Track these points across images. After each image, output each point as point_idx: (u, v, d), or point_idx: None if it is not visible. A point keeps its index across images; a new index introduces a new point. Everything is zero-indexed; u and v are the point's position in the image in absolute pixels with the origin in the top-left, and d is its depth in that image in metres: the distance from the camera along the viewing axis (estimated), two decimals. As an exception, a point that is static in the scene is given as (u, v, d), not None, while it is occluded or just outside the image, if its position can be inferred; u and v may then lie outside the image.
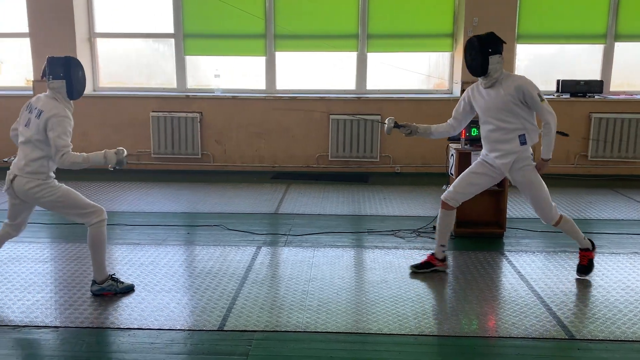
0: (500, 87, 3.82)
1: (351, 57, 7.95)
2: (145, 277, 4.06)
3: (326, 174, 7.72)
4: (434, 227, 5.19)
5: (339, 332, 3.28)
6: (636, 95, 7.86)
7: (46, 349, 3.11)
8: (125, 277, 3.99)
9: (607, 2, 7.60)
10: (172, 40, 8.01)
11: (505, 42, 3.89)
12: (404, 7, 7.78)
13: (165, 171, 7.82)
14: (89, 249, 3.69)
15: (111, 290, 3.73)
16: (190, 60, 8.14)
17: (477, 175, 4.06)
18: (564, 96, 7.65)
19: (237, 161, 7.97)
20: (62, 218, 3.99)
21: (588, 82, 7.62)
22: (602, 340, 3.20)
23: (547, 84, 7.78)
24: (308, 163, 7.93)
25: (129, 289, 3.81)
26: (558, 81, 7.71)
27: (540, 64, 8.20)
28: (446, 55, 7.98)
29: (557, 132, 3.83)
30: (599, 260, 4.46)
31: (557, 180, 6.96)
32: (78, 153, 3.48)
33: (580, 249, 4.10)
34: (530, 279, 4.10)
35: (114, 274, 3.83)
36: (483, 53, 3.77)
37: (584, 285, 3.99)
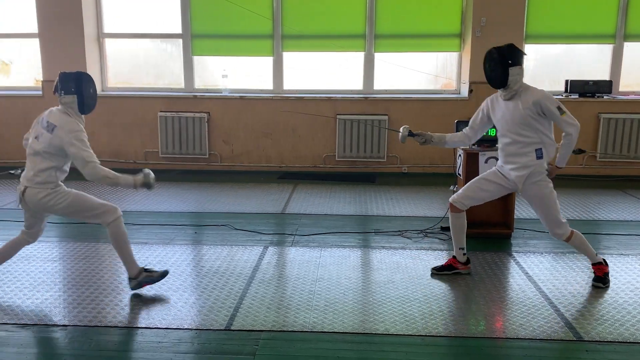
0: (519, 100, 3.75)
1: (358, 57, 7.94)
2: (153, 277, 4.07)
3: (333, 174, 7.72)
4: (442, 228, 5.21)
5: (345, 333, 3.28)
6: (645, 95, 7.82)
7: (54, 347, 3.13)
8: (133, 276, 4.00)
9: (617, 2, 7.55)
10: (180, 41, 8.04)
11: (526, 54, 3.83)
12: (411, 7, 7.76)
13: (173, 171, 7.85)
14: (114, 247, 3.75)
15: (148, 282, 3.78)
16: (198, 60, 8.17)
17: (488, 182, 4.00)
18: (572, 96, 7.61)
19: (245, 161, 7.99)
20: (68, 218, 4.02)
21: (597, 82, 7.57)
22: (610, 342, 3.18)
23: (555, 84, 7.75)
24: (315, 163, 7.94)
25: (164, 276, 3.86)
26: (567, 81, 7.67)
27: (548, 64, 8.16)
28: (454, 56, 7.96)
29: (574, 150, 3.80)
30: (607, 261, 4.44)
31: (566, 181, 6.92)
32: (108, 169, 3.55)
33: (592, 264, 4.00)
34: (538, 280, 4.08)
35: (145, 266, 3.88)
36: (503, 65, 3.71)
37: (592, 287, 3.96)
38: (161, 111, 7.85)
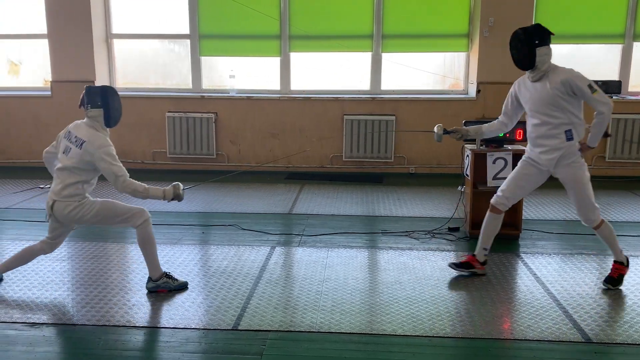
0: (547, 80, 3.67)
1: (366, 57, 7.93)
2: (161, 276, 4.09)
3: (340, 175, 7.72)
4: (449, 229, 5.20)
5: (352, 333, 3.28)
6: (655, 95, 7.75)
7: (63, 346, 3.15)
8: (142, 276, 4.03)
9: (626, 2, 7.50)
10: (188, 41, 8.06)
11: (553, 34, 3.71)
12: (419, 7, 7.74)
13: (180, 171, 7.87)
14: (140, 249, 3.80)
15: (166, 288, 3.81)
16: (206, 61, 8.18)
17: (524, 176, 3.92)
18: (581, 97, 7.55)
19: (252, 161, 8.00)
20: (100, 225, 4.10)
21: (606, 83, 7.51)
22: (619, 343, 3.16)
23: (564, 85, 7.70)
24: (322, 163, 7.94)
25: (183, 287, 3.88)
26: (575, 81, 7.61)
27: (557, 63, 8.09)
28: (462, 56, 7.94)
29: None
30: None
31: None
32: (139, 183, 3.60)
33: (614, 261, 3.94)
34: (546, 281, 4.06)
35: (168, 272, 3.90)
36: (530, 45, 3.62)
37: (600, 288, 3.94)
38: (169, 111, 7.88)
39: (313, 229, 5.29)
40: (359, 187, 7.05)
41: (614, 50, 7.77)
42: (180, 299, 3.72)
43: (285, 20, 7.83)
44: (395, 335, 3.26)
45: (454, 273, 4.24)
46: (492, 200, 4.04)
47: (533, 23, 7.37)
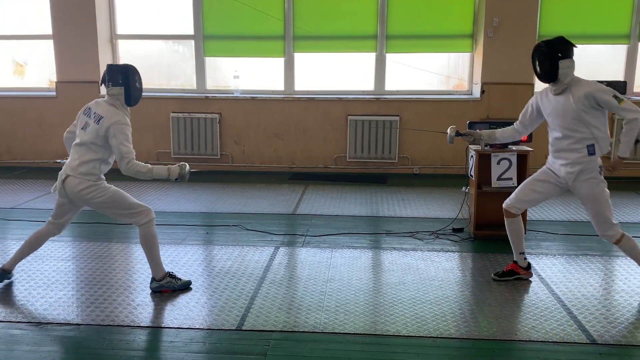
0: (570, 93, 3.60)
1: (370, 58, 7.93)
2: (165, 276, 4.10)
3: (344, 175, 7.71)
4: (453, 229, 5.19)
5: (356, 334, 3.27)
6: (661, 96, 7.72)
7: (68, 346, 3.16)
8: (146, 276, 4.04)
9: (631, 2, 7.48)
10: (192, 42, 8.07)
11: (576, 46, 3.65)
12: (423, 7, 7.74)
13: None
14: (143, 248, 3.79)
15: (169, 287, 3.81)
16: (210, 61, 8.20)
17: (540, 182, 3.85)
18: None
19: (256, 161, 8.01)
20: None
21: (611, 83, 7.41)
22: (624, 345, 3.15)
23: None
24: (326, 164, 7.94)
25: (187, 286, 3.87)
26: (580, 82, 7.59)
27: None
28: (466, 56, 7.92)
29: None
30: (621, 264, 4.40)
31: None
32: (143, 163, 3.60)
33: None
34: (551, 282, 4.05)
35: (171, 272, 3.90)
36: (552, 58, 3.56)
37: (605, 290, 3.93)
38: (173, 112, 7.89)
39: (317, 229, 5.29)
40: (363, 187, 7.04)
41: (619, 51, 7.74)
42: (184, 299, 3.73)
43: (289, 20, 7.83)
44: (399, 336, 3.25)
45: (458, 274, 4.23)
46: (504, 204, 3.97)
47: (538, 23, 7.43)
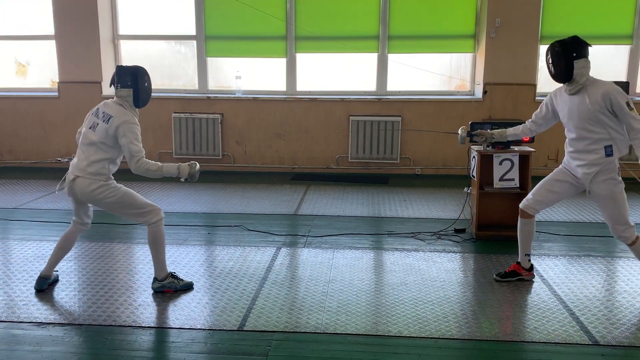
0: (586, 93, 3.54)
1: (372, 58, 7.93)
2: (167, 277, 4.10)
3: (346, 176, 7.71)
4: (455, 230, 5.18)
5: (358, 334, 3.27)
6: (663, 96, 7.70)
7: (69, 346, 3.15)
8: (148, 277, 4.04)
9: (634, 2, 7.46)
10: (194, 42, 8.08)
11: (591, 45, 3.60)
12: (425, 8, 7.73)
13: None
14: (150, 247, 3.79)
15: (171, 288, 3.81)
16: (212, 61, 8.20)
17: (558, 182, 3.81)
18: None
19: (258, 162, 8.01)
20: (113, 212, 4.07)
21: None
22: (627, 346, 3.14)
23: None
24: (328, 164, 7.94)
25: (188, 287, 3.87)
26: (582, 82, 7.58)
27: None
28: (468, 57, 7.91)
29: None
30: (623, 265, 4.39)
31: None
32: (153, 162, 3.60)
33: None
34: (553, 283, 4.04)
35: (174, 272, 3.91)
36: (567, 58, 3.51)
37: (608, 291, 3.92)
38: (175, 112, 7.90)
39: (319, 229, 5.29)
40: (365, 188, 7.04)
41: (622, 51, 7.73)
42: (186, 299, 3.73)
43: (291, 21, 7.83)
44: (401, 336, 3.25)
45: (459, 274, 4.23)
46: (521, 205, 3.94)
47: (540, 24, 7.42)
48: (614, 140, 3.56)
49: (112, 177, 3.72)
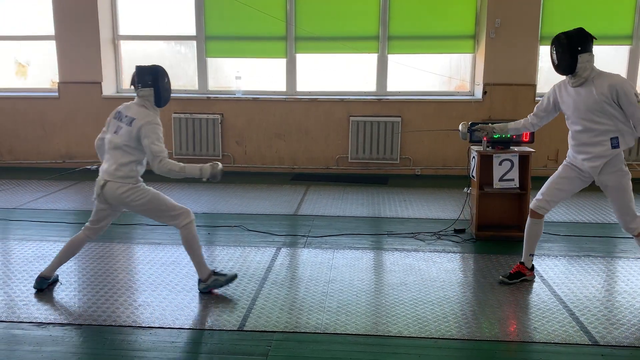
0: (592, 85, 3.52)
1: (372, 58, 7.93)
2: (167, 277, 4.10)
3: (346, 176, 7.71)
4: (455, 230, 5.18)
5: (358, 334, 3.27)
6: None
7: (69, 346, 3.16)
8: (147, 277, 4.04)
9: (634, 2, 7.46)
10: (194, 43, 8.08)
11: (595, 38, 3.60)
12: (425, 8, 7.73)
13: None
14: (186, 250, 3.79)
15: (216, 286, 3.81)
16: (212, 62, 8.20)
17: (564, 179, 3.80)
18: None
19: (257, 162, 8.01)
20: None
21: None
22: (627, 346, 3.14)
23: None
24: (328, 165, 7.94)
25: (233, 279, 3.88)
26: (582, 83, 7.58)
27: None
28: (468, 57, 7.92)
29: None
30: (623, 265, 4.40)
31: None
32: (175, 162, 3.61)
33: None
34: (553, 283, 4.04)
35: (215, 269, 3.91)
36: (572, 51, 3.49)
37: (608, 291, 3.92)
38: (175, 112, 7.90)
39: (318, 230, 5.29)
40: (365, 188, 7.04)
41: (622, 52, 7.73)
42: (186, 299, 3.73)
43: (291, 21, 7.84)
44: (401, 336, 3.25)
45: (459, 275, 4.23)
46: (531, 205, 3.93)
47: (540, 24, 7.42)
48: (620, 132, 3.55)
49: (141, 180, 3.72)
